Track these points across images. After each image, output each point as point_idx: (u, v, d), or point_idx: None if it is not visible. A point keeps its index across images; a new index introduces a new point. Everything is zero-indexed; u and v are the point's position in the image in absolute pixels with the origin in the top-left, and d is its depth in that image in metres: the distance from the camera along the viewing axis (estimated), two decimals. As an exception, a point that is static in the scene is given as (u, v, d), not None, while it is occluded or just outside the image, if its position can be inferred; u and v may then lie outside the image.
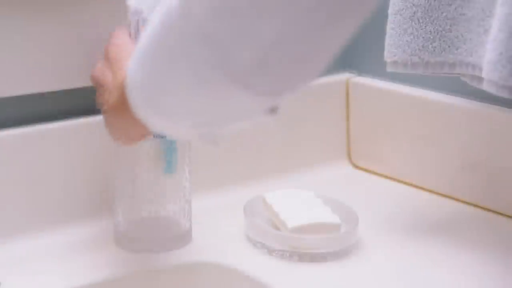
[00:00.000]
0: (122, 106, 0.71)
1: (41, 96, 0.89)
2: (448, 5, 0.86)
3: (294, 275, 0.83)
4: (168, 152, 0.85)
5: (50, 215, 0.90)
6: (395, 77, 1.04)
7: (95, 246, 0.87)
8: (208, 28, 0.58)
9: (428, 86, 1.03)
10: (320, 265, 0.84)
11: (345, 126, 1.12)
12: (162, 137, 0.84)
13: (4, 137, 0.87)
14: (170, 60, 0.62)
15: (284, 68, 0.59)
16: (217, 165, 1.01)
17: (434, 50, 0.87)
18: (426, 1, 0.87)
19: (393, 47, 0.89)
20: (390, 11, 0.89)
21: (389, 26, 0.90)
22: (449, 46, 0.87)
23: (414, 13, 0.87)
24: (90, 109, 0.82)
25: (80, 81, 0.88)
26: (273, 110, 0.65)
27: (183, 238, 0.88)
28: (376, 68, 1.06)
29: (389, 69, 0.91)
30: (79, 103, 0.91)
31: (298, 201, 0.91)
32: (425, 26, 0.87)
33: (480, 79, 0.83)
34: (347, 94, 1.11)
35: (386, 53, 0.90)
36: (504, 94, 0.78)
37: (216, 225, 0.92)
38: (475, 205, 0.98)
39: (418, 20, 0.87)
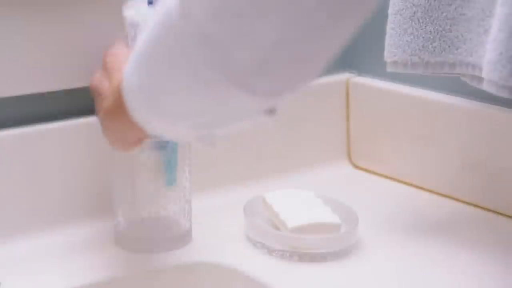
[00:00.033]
0: (118, 110, 0.70)
1: (41, 96, 0.89)
2: (448, 5, 0.86)
3: (294, 275, 0.83)
4: (169, 164, 0.85)
5: (50, 215, 0.90)
6: (395, 77, 1.04)
7: (95, 246, 0.87)
8: (207, 28, 0.57)
9: (428, 86, 1.03)
10: (320, 265, 0.84)
11: (345, 126, 1.12)
12: (162, 149, 0.84)
13: (4, 137, 0.87)
14: (169, 61, 0.62)
15: (284, 69, 0.59)
16: (217, 165, 1.01)
17: (434, 50, 0.87)
18: (426, 1, 0.87)
19: (393, 47, 0.89)
20: (390, 11, 0.89)
21: (389, 26, 0.90)
22: (449, 46, 0.87)
23: (414, 13, 0.87)
24: (90, 109, 0.82)
25: (80, 81, 0.88)
26: (271, 111, 0.65)
27: (183, 238, 0.88)
28: (376, 68, 1.06)
29: (389, 69, 0.91)
30: (79, 103, 0.91)
31: (298, 201, 0.91)
32: (425, 26, 0.87)
33: (480, 79, 0.83)
34: (347, 94, 1.11)
35: (386, 53, 0.90)
36: (504, 94, 0.78)
37: (216, 225, 0.92)
38: (475, 205, 0.98)
39: (418, 20, 0.87)
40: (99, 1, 0.90)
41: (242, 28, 0.57)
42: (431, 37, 0.87)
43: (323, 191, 0.95)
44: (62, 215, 0.90)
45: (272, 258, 0.85)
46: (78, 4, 0.89)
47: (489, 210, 0.96)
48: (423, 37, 0.87)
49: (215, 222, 0.93)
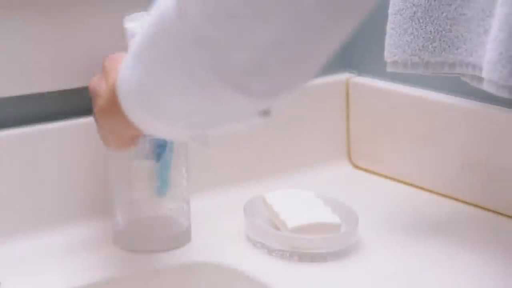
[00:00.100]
0: (112, 108, 0.70)
1: (41, 96, 0.89)
2: (448, 5, 0.86)
3: (294, 275, 0.83)
4: (161, 177, 0.85)
5: (49, 215, 0.90)
6: (395, 77, 1.04)
7: (95, 246, 0.87)
8: (203, 29, 0.57)
9: (428, 86, 1.03)
10: (320, 265, 0.84)
11: (345, 126, 1.12)
12: (156, 159, 0.85)
13: (4, 137, 0.87)
14: (164, 61, 0.62)
15: (280, 69, 0.59)
16: (217, 165, 1.01)
17: (434, 50, 0.87)
18: (426, 1, 0.87)
19: (393, 47, 0.89)
20: (390, 11, 0.89)
21: (389, 26, 0.90)
22: (449, 46, 0.87)
23: (414, 13, 0.87)
24: (90, 110, 0.82)
25: (80, 81, 0.88)
26: (266, 113, 0.65)
27: (182, 237, 0.88)
28: (376, 68, 1.06)
29: (389, 69, 0.91)
30: (79, 103, 0.91)
31: (298, 201, 0.91)
32: (425, 26, 0.87)
33: (480, 79, 0.83)
34: (347, 94, 1.11)
35: (386, 53, 0.90)
36: (504, 94, 0.78)
37: (216, 225, 0.92)
38: (475, 205, 0.98)
39: (418, 20, 0.87)
40: (98, 2, 0.90)
41: (238, 29, 0.57)
42: (431, 37, 0.87)
43: (323, 191, 0.95)
44: (62, 215, 0.90)
45: (272, 258, 0.85)
46: (78, 4, 0.89)
47: (489, 210, 0.96)
48: (423, 37, 0.87)
49: (215, 222, 0.93)
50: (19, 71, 0.87)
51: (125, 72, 0.67)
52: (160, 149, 0.85)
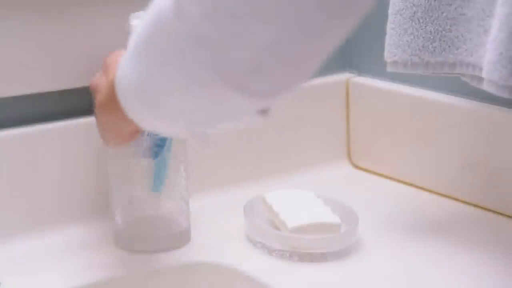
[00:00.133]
0: (112, 103, 0.70)
1: (41, 96, 0.89)
2: (448, 5, 0.86)
3: (294, 275, 0.83)
4: (156, 170, 0.85)
5: (49, 215, 0.90)
6: (395, 77, 1.04)
7: (95, 246, 0.87)
8: (203, 29, 0.57)
9: (428, 86, 1.02)
10: (320, 265, 0.84)
11: (345, 126, 1.12)
12: (154, 158, 0.85)
13: (4, 137, 0.87)
14: (163, 60, 0.62)
15: (279, 69, 0.59)
16: (217, 165, 1.01)
17: (434, 50, 0.87)
18: (426, 1, 0.87)
19: (393, 47, 0.89)
20: (390, 11, 0.89)
21: (389, 26, 0.90)
22: (449, 46, 0.87)
23: (414, 13, 0.87)
24: (90, 109, 0.82)
25: (80, 81, 0.88)
26: (265, 112, 0.65)
27: (182, 237, 0.88)
28: (376, 68, 1.06)
29: (389, 69, 0.90)
30: (79, 103, 0.91)
31: (298, 201, 0.91)
32: (425, 26, 0.87)
33: (480, 79, 0.83)
34: (347, 94, 1.11)
35: (386, 53, 0.90)
36: (504, 94, 0.78)
37: (216, 225, 0.92)
38: (475, 205, 0.98)
39: (418, 20, 0.87)
40: (99, 2, 0.90)
41: (238, 29, 0.57)
42: (431, 37, 0.87)
43: (323, 191, 0.95)
44: (62, 215, 0.90)
45: (272, 258, 0.85)
46: (78, 4, 0.89)
47: (489, 210, 0.96)
48: (423, 37, 0.87)
49: (215, 222, 0.93)
50: (19, 71, 0.87)
51: (124, 69, 0.67)
52: (158, 148, 0.85)
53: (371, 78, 1.10)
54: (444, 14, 0.86)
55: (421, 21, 0.87)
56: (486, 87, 0.80)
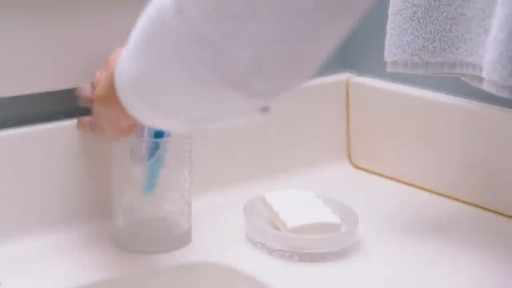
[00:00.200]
0: (111, 97, 0.70)
1: (41, 96, 0.89)
2: (448, 5, 0.86)
3: (294, 275, 0.83)
4: (149, 174, 0.85)
5: (50, 215, 0.90)
6: (395, 77, 1.04)
7: (95, 246, 0.87)
8: (203, 28, 0.57)
9: (428, 86, 1.03)
10: (320, 265, 0.84)
11: (345, 126, 1.12)
12: (149, 159, 0.85)
13: (4, 137, 0.86)
14: (164, 59, 0.61)
15: (279, 69, 0.59)
16: (217, 165, 1.00)
17: (434, 50, 0.87)
18: (426, 1, 0.87)
19: (393, 47, 0.89)
20: (390, 11, 0.89)
21: (389, 26, 0.90)
22: (449, 46, 0.87)
23: (414, 13, 0.87)
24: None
25: (80, 81, 0.88)
26: (265, 109, 0.65)
27: (183, 238, 0.88)
28: (376, 68, 1.06)
29: (389, 69, 0.91)
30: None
31: (298, 201, 0.91)
32: (425, 26, 0.87)
33: (480, 79, 0.83)
34: (347, 94, 1.11)
35: (386, 53, 0.90)
36: (504, 94, 0.78)
37: (216, 225, 0.92)
38: (475, 205, 0.98)
39: (418, 20, 0.87)
40: (99, 2, 0.90)
41: (237, 29, 0.57)
42: (431, 37, 0.87)
43: (323, 191, 0.95)
44: (62, 215, 0.90)
45: (272, 258, 0.85)
46: (78, 4, 0.89)
47: (488, 210, 0.96)
48: (423, 37, 0.87)
49: (215, 222, 0.93)
50: (19, 71, 0.87)
51: (124, 66, 0.67)
52: (154, 148, 0.85)
53: (371, 78, 1.10)
54: (444, 14, 0.86)
55: (421, 21, 0.87)
56: (486, 87, 0.80)
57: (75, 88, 0.90)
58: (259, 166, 1.05)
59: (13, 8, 0.85)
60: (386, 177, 1.08)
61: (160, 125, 0.72)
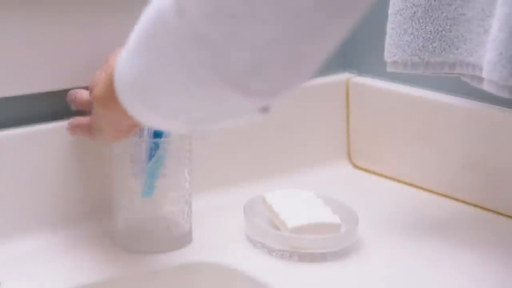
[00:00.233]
0: (110, 97, 0.70)
1: (40, 96, 0.89)
2: (448, 5, 0.86)
3: (294, 275, 0.83)
4: (150, 172, 0.85)
5: (50, 215, 0.90)
6: (395, 77, 1.04)
7: (95, 246, 0.87)
8: (203, 28, 0.57)
9: (428, 86, 1.03)
10: (320, 265, 0.84)
11: (345, 126, 1.12)
12: (149, 161, 0.85)
13: (4, 137, 0.87)
14: (163, 60, 0.61)
15: (279, 69, 0.59)
16: (217, 165, 1.01)
17: (434, 50, 0.87)
18: (426, 1, 0.87)
19: (393, 47, 0.89)
20: (390, 11, 0.89)
21: (389, 26, 0.90)
22: (449, 46, 0.87)
23: (414, 13, 0.87)
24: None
25: (80, 81, 0.88)
26: (265, 109, 0.65)
27: (184, 238, 0.88)
28: (376, 68, 1.06)
29: (389, 69, 0.91)
30: (79, 103, 0.91)
31: (298, 201, 0.91)
32: (425, 26, 0.87)
33: (480, 79, 0.83)
34: (347, 94, 1.11)
35: (386, 53, 0.90)
36: (504, 94, 0.78)
37: (216, 225, 0.92)
38: (475, 205, 0.98)
39: (418, 20, 0.87)
40: (99, 2, 0.90)
41: (237, 29, 0.57)
42: (431, 37, 0.87)
43: (323, 191, 0.95)
44: (62, 215, 0.90)
45: (272, 258, 0.85)
46: (78, 4, 0.89)
47: (488, 210, 0.96)
48: (423, 37, 0.87)
49: (215, 222, 0.93)
50: (19, 71, 0.87)
51: (123, 66, 0.67)
52: (154, 148, 0.85)
53: (371, 78, 1.10)
54: (444, 14, 0.86)
55: (421, 21, 0.87)
56: (486, 87, 0.80)
57: (75, 88, 0.90)
58: (259, 166, 1.05)
59: (13, 8, 0.85)
60: (386, 177, 1.08)
61: (160, 125, 0.72)
